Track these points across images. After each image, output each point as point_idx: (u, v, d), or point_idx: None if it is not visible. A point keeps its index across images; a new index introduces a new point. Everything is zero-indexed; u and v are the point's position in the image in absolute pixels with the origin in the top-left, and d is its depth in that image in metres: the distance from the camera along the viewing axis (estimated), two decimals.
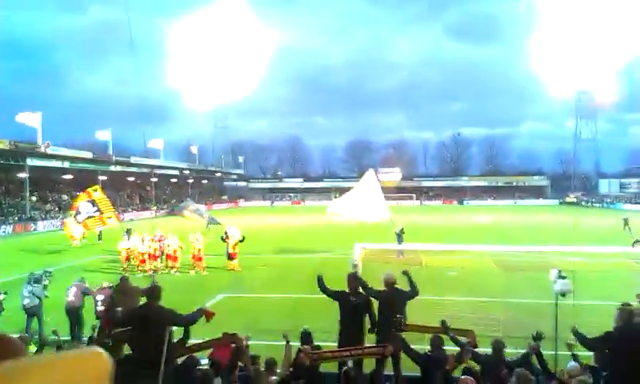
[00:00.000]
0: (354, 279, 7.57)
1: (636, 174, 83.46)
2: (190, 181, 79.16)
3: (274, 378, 5.49)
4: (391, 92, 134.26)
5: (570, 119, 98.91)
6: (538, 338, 6.12)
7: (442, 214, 58.06)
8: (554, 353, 7.43)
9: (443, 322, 6.55)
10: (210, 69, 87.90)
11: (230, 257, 19.96)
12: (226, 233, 20.33)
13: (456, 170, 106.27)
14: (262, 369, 6.16)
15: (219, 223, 24.55)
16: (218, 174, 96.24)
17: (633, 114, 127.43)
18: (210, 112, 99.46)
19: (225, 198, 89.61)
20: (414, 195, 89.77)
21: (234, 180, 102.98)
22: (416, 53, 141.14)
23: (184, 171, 79.18)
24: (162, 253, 20.13)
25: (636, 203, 65.47)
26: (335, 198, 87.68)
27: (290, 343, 6.46)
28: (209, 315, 5.83)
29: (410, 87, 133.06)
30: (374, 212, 21.80)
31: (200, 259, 19.68)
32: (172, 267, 19.53)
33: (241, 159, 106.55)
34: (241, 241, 20.15)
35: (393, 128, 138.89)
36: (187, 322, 5.79)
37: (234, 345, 6.10)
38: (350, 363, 6.27)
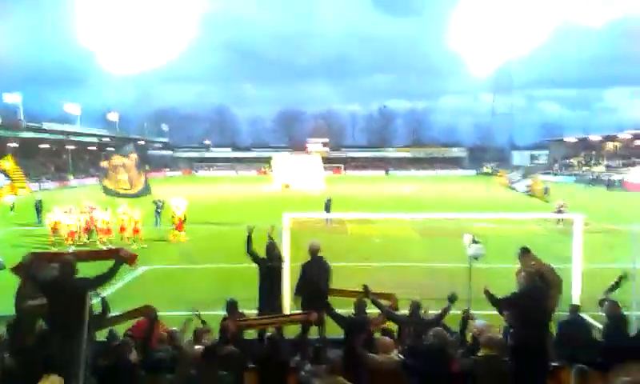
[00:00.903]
0: (272, 247, 7.78)
1: (545, 146, 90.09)
2: (111, 149, 75.20)
3: (198, 347, 5.47)
4: (319, 63, 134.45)
5: (487, 94, 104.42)
6: (452, 299, 6.54)
7: (368, 183, 59.51)
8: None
9: (365, 287, 6.81)
10: (130, 31, 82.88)
11: (177, 228, 19.54)
12: (160, 203, 19.81)
13: (382, 142, 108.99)
14: (188, 339, 6.13)
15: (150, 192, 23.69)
16: (141, 143, 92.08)
17: (543, 90, 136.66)
18: (131, 77, 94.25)
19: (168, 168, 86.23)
20: (342, 165, 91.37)
21: (159, 149, 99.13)
22: (342, 24, 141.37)
23: (103, 139, 74.97)
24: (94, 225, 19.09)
25: (545, 173, 70.72)
26: (266, 168, 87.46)
27: (198, 314, 6.55)
28: (130, 259, 5.57)
29: (337, 59, 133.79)
30: (313, 182, 22.02)
31: (138, 231, 18.78)
32: (101, 241, 18.54)
33: (165, 127, 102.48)
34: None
35: (321, 99, 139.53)
36: (105, 278, 5.47)
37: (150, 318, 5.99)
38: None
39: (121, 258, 5.49)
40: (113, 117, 78.96)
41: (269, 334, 6.23)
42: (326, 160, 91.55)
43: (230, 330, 5.63)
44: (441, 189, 49.25)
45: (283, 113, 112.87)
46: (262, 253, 7.88)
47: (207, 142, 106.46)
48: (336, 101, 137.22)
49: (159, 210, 22.26)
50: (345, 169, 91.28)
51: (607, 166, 65.77)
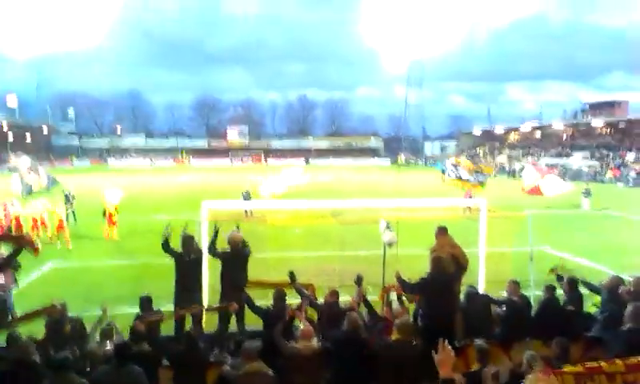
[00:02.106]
0: (189, 239, 7.58)
1: (453, 137, 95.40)
2: (10, 138, 69.01)
3: (108, 347, 5.23)
4: (234, 49, 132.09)
5: (400, 86, 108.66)
6: (358, 281, 6.78)
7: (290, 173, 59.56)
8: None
9: (291, 274, 6.88)
10: (28, 12, 76.27)
11: (110, 223, 18.16)
12: (71, 196, 18.40)
13: (302, 131, 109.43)
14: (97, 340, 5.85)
15: (58, 183, 22.07)
16: (45, 130, 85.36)
17: (451, 83, 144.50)
18: (32, 61, 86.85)
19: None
20: (262, 154, 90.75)
21: (64, 136, 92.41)
22: (257, 10, 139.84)
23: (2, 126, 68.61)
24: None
25: None
26: (183, 157, 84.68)
27: (106, 313, 6.29)
28: (27, 243, 5.15)
29: (254, 46, 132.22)
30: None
31: (62, 228, 17.16)
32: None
33: (71, 113, 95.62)
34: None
35: (239, 87, 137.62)
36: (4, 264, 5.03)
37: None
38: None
39: (22, 243, 5.09)
40: (12, 102, 72.35)
41: (188, 330, 6.09)
42: (246, 149, 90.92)
43: (141, 328, 5.44)
44: (359, 178, 50.52)
45: (201, 100, 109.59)
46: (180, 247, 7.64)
47: (118, 128, 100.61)
48: (254, 88, 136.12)
49: (71, 203, 20.71)
50: (265, 158, 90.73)
51: (509, 156, 70.89)
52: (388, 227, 8.69)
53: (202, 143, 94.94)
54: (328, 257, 14.03)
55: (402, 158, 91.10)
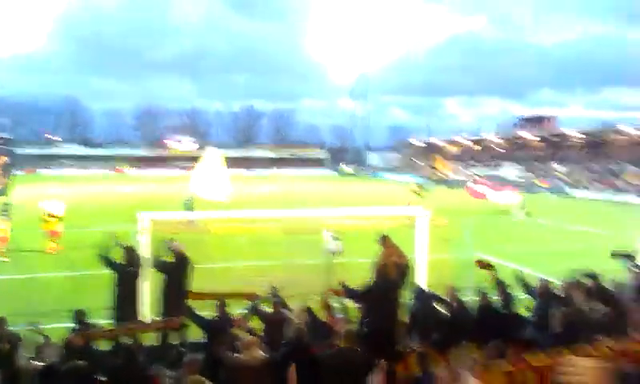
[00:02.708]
0: (129, 251, 7.35)
1: (396, 148, 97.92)
2: None
3: (39, 363, 4.94)
4: (178, 58, 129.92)
5: (345, 98, 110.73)
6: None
7: (234, 182, 58.84)
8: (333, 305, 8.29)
9: (272, 287, 6.83)
10: None
11: (52, 236, 17.12)
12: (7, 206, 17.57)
13: (248, 141, 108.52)
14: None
15: None
16: None
17: (392, 96, 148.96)
18: None
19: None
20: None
21: None
22: (200, 19, 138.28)
23: None
24: None
25: (395, 173, 76.78)
26: (123, 167, 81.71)
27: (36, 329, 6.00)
28: None
29: (197, 55, 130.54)
30: (217, 189, 20.88)
31: (5, 240, 16.15)
32: None
33: (4, 121, 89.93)
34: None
35: (183, 96, 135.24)
36: None
37: None
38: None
39: None
40: None
41: (124, 343, 5.86)
42: (191, 159, 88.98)
43: (75, 344, 5.18)
44: (304, 187, 50.71)
45: (144, 108, 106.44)
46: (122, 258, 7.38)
47: (52, 136, 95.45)
48: (199, 98, 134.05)
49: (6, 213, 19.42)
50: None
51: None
52: (333, 237, 8.77)
53: (144, 152, 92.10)
54: (273, 266, 13.95)
55: (347, 168, 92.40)
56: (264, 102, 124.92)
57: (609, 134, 56.46)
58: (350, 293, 6.54)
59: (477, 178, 57.19)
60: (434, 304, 7.47)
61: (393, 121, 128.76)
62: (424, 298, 7.62)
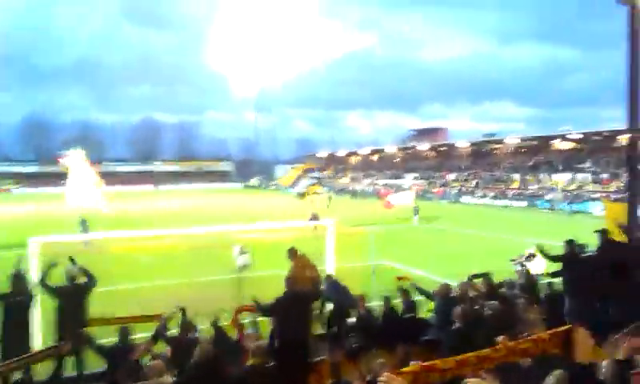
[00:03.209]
0: (17, 277, 6.75)
1: (301, 160, 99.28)
2: None
3: None
4: (70, 67, 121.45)
5: (251, 110, 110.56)
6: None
7: (135, 199, 55.97)
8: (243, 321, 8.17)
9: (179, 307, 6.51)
10: None
11: None
12: None
13: (150, 155, 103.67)
14: None
15: None
16: None
17: (298, 110, 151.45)
18: None
19: None
20: (103, 180, 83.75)
21: None
22: (97, 28, 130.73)
23: None
24: None
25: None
26: (10, 186, 74.12)
27: None
28: None
29: (91, 66, 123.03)
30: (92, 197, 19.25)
31: None
32: None
33: None
34: None
35: (77, 108, 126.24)
36: None
37: None
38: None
39: None
40: None
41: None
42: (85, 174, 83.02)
43: None
44: (210, 202, 49.55)
45: (30, 121, 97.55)
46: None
47: None
48: (93, 110, 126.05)
49: None
50: (107, 183, 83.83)
51: (352, 178, 75.89)
52: (241, 251, 8.68)
53: (32, 169, 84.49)
54: (180, 285, 13.44)
55: (253, 181, 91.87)
56: (166, 115, 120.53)
57: (493, 144, 61.81)
58: (261, 308, 6.51)
59: (381, 189, 59.74)
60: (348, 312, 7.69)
61: (298, 133, 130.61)
62: (337, 306, 7.81)
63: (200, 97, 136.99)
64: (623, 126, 10.63)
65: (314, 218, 21.70)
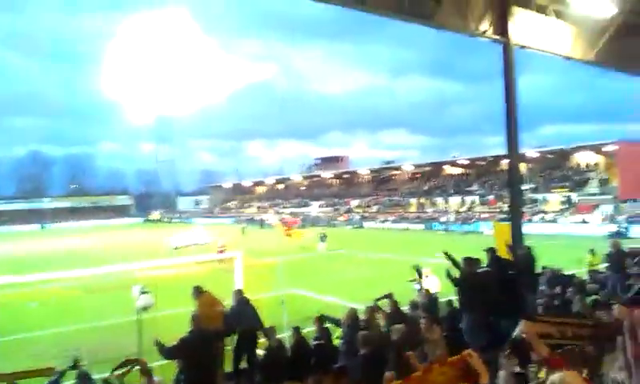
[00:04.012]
0: None
1: (205, 191, 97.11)
2: None
3: None
4: None
5: (149, 142, 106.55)
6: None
7: (20, 240, 50.94)
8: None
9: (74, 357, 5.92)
10: None
11: None
12: None
13: (37, 191, 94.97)
14: None
15: None
16: None
17: (200, 141, 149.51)
18: None
19: None
20: None
21: None
22: None
23: None
24: None
25: (207, 217, 76.01)
26: None
27: None
28: None
29: None
30: None
31: None
32: None
33: None
34: None
35: None
36: None
37: None
38: None
39: None
40: None
41: None
42: None
43: None
44: (108, 239, 46.52)
45: None
46: None
47: None
48: None
49: None
50: None
51: (258, 207, 75.53)
52: (142, 291, 8.24)
53: None
54: (74, 331, 12.42)
55: (155, 214, 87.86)
56: (54, 147, 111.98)
57: (391, 171, 65.06)
58: (164, 351, 6.20)
59: (286, 217, 60.05)
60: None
61: (201, 164, 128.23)
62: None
63: (93, 127, 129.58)
64: (503, 151, 11.73)
65: (222, 250, 21.26)
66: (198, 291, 7.50)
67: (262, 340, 8.04)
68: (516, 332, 2.66)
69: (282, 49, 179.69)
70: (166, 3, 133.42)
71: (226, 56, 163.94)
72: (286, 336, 8.62)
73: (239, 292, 8.63)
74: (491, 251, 8.95)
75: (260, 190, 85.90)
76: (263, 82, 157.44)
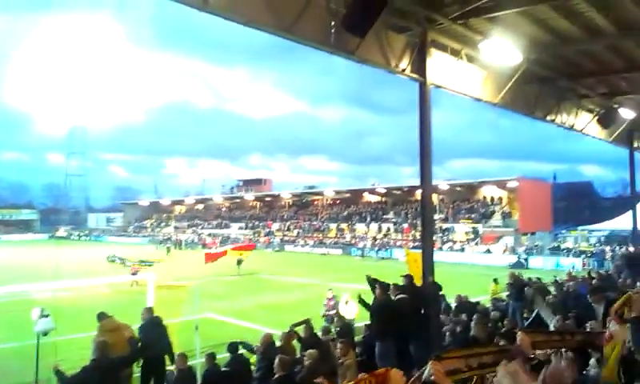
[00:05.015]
0: None
1: (120, 209, 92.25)
2: None
3: None
4: None
5: (58, 154, 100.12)
6: None
7: None
8: None
9: None
10: None
11: None
12: None
13: None
14: None
15: None
16: None
17: (113, 154, 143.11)
18: None
19: None
20: None
21: None
22: None
23: None
24: None
25: (120, 236, 72.21)
26: None
27: None
28: None
29: None
30: None
31: None
32: None
33: None
34: None
35: None
36: None
37: None
38: None
39: None
40: None
41: None
42: None
43: None
44: (7, 256, 42.63)
45: None
46: None
47: None
48: None
49: None
50: None
51: (175, 228, 72.99)
52: (42, 314, 7.68)
53: None
54: None
55: (62, 231, 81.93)
56: None
57: (312, 196, 65.81)
58: (64, 380, 5.81)
59: (207, 239, 58.65)
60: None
61: (116, 180, 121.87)
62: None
63: None
64: (417, 182, 12.37)
65: (135, 272, 20.37)
66: (102, 316, 7.27)
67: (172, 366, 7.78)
68: (425, 374, 2.82)
69: (206, 67, 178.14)
70: (88, 6, 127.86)
71: (148, 69, 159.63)
72: (199, 362, 8.39)
73: (149, 311, 8.36)
74: (408, 278, 9.33)
75: (179, 209, 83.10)
76: (184, 99, 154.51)
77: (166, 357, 7.85)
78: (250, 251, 33.06)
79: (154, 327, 8.00)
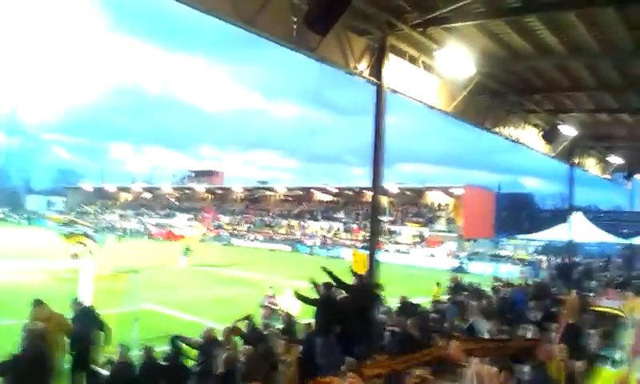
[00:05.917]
0: None
1: (61, 192, 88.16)
2: None
3: None
4: None
5: None
6: None
7: None
8: None
9: None
10: None
11: None
12: None
13: None
14: None
15: None
16: None
17: (56, 135, 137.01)
18: None
19: None
20: None
21: None
22: None
23: None
24: None
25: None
26: None
27: None
28: None
29: None
30: None
31: None
32: None
33: None
34: None
35: None
36: None
37: None
38: None
39: None
40: None
41: None
42: None
43: None
44: None
45: None
46: None
47: None
48: None
49: None
50: None
51: (120, 215, 70.62)
52: None
53: None
54: None
55: None
56: None
57: (264, 191, 65.40)
58: None
59: (152, 229, 57.11)
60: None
61: (58, 162, 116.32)
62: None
63: None
64: (368, 183, 12.45)
65: (75, 255, 19.53)
66: (37, 303, 6.96)
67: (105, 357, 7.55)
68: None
69: (158, 53, 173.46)
70: None
71: (101, 51, 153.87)
72: (137, 355, 8.14)
73: (78, 303, 8.17)
74: (358, 277, 9.43)
75: (125, 196, 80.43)
76: (136, 83, 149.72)
77: (98, 350, 7.66)
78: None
79: (87, 318, 7.80)
